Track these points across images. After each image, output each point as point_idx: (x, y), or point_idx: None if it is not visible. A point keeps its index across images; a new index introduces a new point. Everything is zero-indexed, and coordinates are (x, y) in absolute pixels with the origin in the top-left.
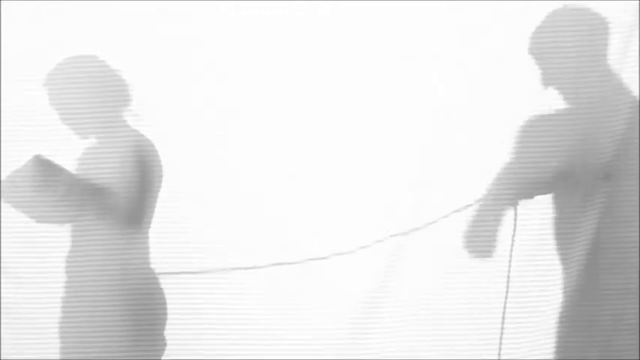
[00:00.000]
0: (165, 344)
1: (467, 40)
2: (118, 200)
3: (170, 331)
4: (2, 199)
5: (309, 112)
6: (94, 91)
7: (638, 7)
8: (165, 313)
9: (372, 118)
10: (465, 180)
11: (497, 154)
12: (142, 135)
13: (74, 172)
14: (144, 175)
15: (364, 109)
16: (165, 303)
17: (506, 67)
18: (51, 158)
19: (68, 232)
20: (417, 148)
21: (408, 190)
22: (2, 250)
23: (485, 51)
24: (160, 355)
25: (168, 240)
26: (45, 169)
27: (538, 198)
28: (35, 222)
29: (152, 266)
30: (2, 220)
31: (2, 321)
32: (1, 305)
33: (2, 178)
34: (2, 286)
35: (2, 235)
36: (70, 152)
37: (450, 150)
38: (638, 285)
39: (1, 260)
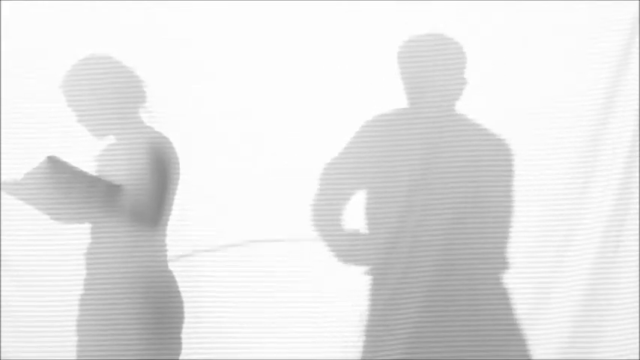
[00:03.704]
0: (181, 344)
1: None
2: (137, 199)
3: (187, 332)
4: (21, 200)
5: (324, 110)
6: (110, 90)
7: (638, 7)
8: (183, 313)
9: (367, 114)
10: None
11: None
12: (159, 132)
13: (92, 171)
14: (162, 172)
15: (363, 107)
16: (182, 302)
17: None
18: (65, 158)
19: (88, 231)
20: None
21: None
22: (3, 247)
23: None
24: (177, 355)
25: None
26: (60, 170)
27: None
28: (59, 222)
29: (169, 265)
30: (3, 217)
31: (2, 320)
32: (2, 304)
33: (19, 180)
34: (3, 284)
35: (3, 233)
36: (73, 152)
37: None
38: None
39: (2, 258)
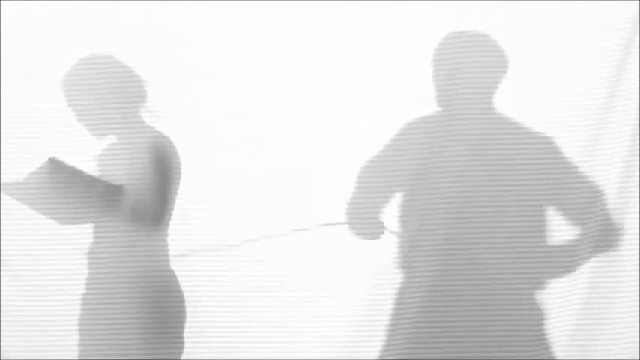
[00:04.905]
0: (183, 344)
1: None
2: (138, 199)
3: (189, 331)
4: (21, 202)
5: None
6: (110, 90)
7: (638, 7)
8: (184, 313)
9: (365, 114)
10: None
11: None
12: (160, 132)
13: (93, 171)
14: (164, 172)
15: (361, 107)
16: (183, 302)
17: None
18: (66, 160)
19: (88, 230)
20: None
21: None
22: (3, 247)
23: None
24: (179, 355)
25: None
26: (62, 171)
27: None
28: (58, 223)
29: (171, 265)
30: (3, 217)
31: (2, 320)
32: (2, 304)
33: (19, 180)
34: (3, 284)
35: (3, 233)
36: (73, 151)
37: None
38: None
39: (2, 258)
